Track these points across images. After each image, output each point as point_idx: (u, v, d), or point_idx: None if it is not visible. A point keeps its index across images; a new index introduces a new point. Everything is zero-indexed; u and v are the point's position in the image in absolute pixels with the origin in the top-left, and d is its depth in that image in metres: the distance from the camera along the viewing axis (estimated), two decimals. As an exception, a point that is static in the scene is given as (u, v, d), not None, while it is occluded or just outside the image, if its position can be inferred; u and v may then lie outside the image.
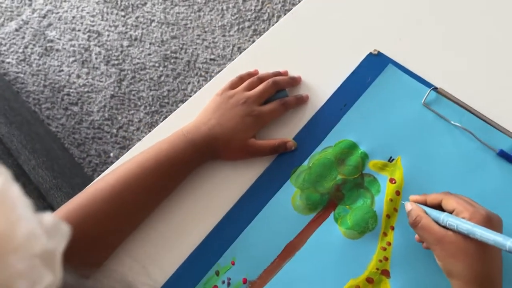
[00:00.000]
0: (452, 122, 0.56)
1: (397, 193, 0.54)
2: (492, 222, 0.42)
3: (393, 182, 0.54)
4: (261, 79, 0.60)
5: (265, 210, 0.54)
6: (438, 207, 0.47)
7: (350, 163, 0.55)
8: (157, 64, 1.43)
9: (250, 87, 0.59)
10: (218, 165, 0.57)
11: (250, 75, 0.61)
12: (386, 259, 0.51)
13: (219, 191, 0.56)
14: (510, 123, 0.55)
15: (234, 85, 0.60)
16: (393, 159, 0.55)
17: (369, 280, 0.51)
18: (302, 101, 0.60)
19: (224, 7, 1.48)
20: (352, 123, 0.57)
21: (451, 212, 0.45)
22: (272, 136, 0.58)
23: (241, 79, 0.60)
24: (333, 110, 0.59)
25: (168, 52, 1.45)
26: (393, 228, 0.52)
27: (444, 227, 0.44)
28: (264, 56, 0.64)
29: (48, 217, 0.24)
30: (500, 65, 0.60)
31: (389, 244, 0.52)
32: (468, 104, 0.57)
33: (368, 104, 0.58)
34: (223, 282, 0.52)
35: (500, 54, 0.61)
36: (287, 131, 0.59)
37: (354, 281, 0.51)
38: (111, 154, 1.34)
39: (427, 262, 0.50)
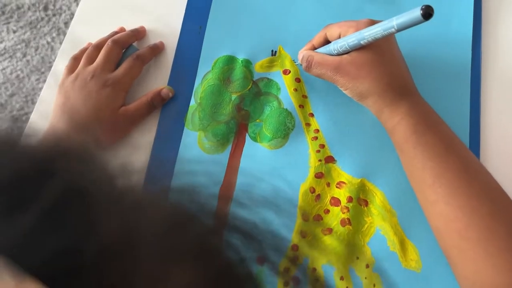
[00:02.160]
0: (309, -13, 0.51)
1: (297, 80, 0.48)
2: (376, 23, 0.39)
3: (287, 72, 0.49)
4: (99, 47, 0.50)
5: (176, 175, 0.45)
6: (327, 43, 0.43)
7: (237, 77, 0.49)
8: (9, 130, 1.24)
9: (91, 60, 0.49)
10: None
11: (84, 51, 0.51)
12: (323, 146, 0.46)
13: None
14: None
15: (72, 68, 0.50)
16: (276, 51, 0.50)
17: (318, 175, 0.44)
18: (158, 49, 0.52)
19: (49, 39, 1.33)
20: (217, 39, 0.50)
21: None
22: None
23: (76, 60, 0.50)
24: (192, 38, 0.51)
25: (14, 111, 1.26)
26: (312, 115, 0.47)
27: (339, 55, 0.41)
28: (90, 27, 0.54)
29: None
30: None
31: (317, 131, 0.46)
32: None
33: (222, 13, 0.51)
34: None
35: None
36: (158, 83, 0.50)
37: (305, 185, 0.44)
38: None
39: (358, 126, 0.46)
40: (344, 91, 0.42)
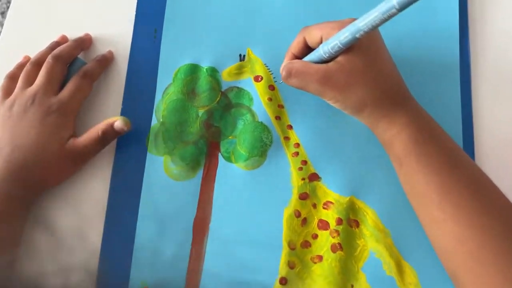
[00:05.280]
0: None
1: (271, 87, 0.43)
2: None
3: (259, 79, 0.43)
4: (38, 63, 0.43)
5: (143, 207, 0.40)
6: (308, 48, 0.38)
7: (203, 89, 0.43)
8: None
9: (30, 81, 0.42)
10: (63, 185, 0.41)
11: (20, 67, 0.44)
12: (305, 162, 0.41)
13: (80, 216, 0.40)
14: None
15: (8, 90, 0.42)
16: (244, 55, 0.44)
17: (303, 196, 0.40)
18: (107, 60, 0.45)
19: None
20: (176, 45, 0.44)
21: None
22: (97, 120, 0.42)
23: (13, 79, 0.43)
24: (146, 44, 0.44)
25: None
26: (291, 127, 0.42)
27: (332, 59, 0.36)
28: (25, 35, 0.47)
29: None
30: None
31: (297, 145, 0.41)
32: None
33: (179, 14, 0.45)
34: (150, 318, 0.38)
35: None
36: (111, 101, 0.44)
37: (289, 209, 0.40)
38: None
39: (342, 136, 0.41)
40: (334, 104, 0.37)
